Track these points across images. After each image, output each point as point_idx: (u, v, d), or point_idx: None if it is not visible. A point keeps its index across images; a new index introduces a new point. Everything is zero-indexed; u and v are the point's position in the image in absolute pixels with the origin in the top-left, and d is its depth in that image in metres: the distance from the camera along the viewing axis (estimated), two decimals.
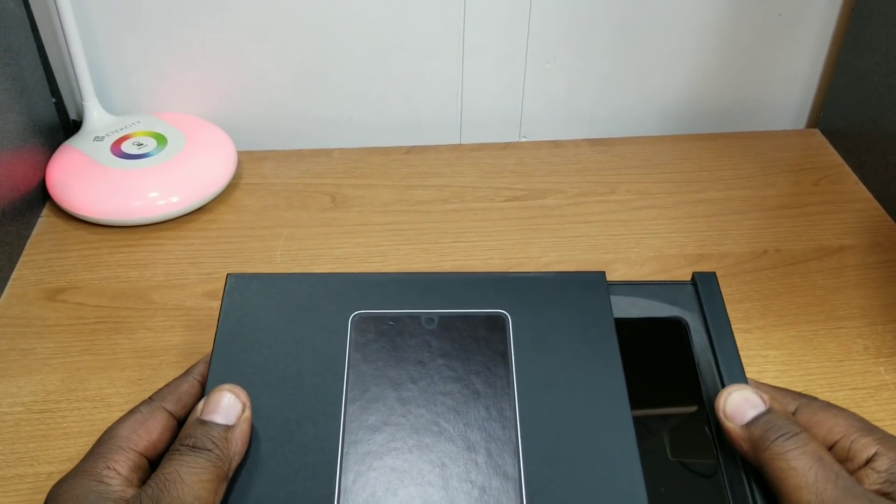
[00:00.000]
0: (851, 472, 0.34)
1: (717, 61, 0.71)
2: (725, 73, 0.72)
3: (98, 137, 0.64)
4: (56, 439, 0.45)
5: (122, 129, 0.65)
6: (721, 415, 0.35)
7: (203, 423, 0.33)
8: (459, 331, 0.39)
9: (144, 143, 0.64)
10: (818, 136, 0.72)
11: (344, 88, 0.70)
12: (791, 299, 0.55)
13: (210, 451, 0.32)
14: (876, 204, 0.64)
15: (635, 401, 0.37)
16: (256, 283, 0.40)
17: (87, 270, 0.57)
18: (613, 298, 0.41)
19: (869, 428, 0.35)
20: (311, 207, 0.63)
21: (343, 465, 0.34)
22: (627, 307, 0.40)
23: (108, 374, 0.49)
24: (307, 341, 0.38)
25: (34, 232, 0.60)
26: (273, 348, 0.38)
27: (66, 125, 0.69)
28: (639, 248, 0.59)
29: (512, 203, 0.64)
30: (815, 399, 0.38)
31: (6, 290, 0.56)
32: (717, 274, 0.57)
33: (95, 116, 0.66)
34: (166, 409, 0.36)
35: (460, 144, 0.72)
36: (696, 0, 0.67)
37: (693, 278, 0.42)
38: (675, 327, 0.40)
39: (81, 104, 0.66)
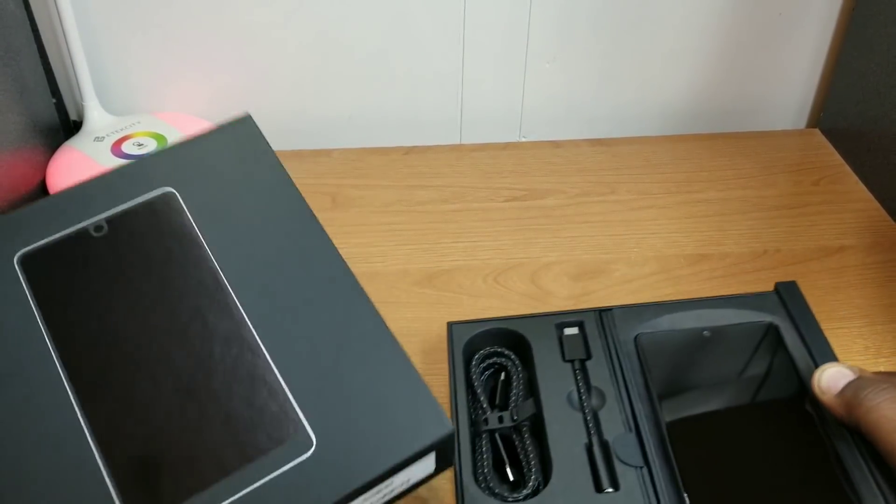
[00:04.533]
0: None
1: (717, 61, 0.71)
2: (725, 73, 0.72)
3: (98, 138, 0.64)
4: None
5: (122, 130, 0.65)
6: (817, 390, 0.38)
7: None
8: (132, 224, 0.36)
9: (145, 143, 0.64)
10: (818, 136, 0.72)
11: (344, 88, 0.70)
12: None
13: None
14: (876, 204, 0.64)
15: (740, 396, 0.40)
16: None
17: None
18: (705, 312, 0.44)
19: None
20: (312, 207, 0.63)
21: (78, 395, 0.32)
22: (719, 318, 0.44)
23: None
24: None
25: None
26: None
27: (66, 125, 0.69)
28: (639, 248, 0.59)
29: (512, 203, 0.64)
30: None
31: None
32: (717, 274, 0.57)
33: (96, 117, 0.66)
34: None
35: (460, 144, 0.72)
36: (696, 0, 0.67)
37: (776, 287, 0.46)
38: (769, 331, 0.44)
39: (82, 104, 0.66)
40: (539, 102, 0.72)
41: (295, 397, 0.32)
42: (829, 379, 0.38)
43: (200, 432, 0.31)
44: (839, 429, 0.38)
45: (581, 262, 0.58)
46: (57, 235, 0.36)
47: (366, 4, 0.65)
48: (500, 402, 0.44)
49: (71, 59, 0.63)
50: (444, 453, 0.34)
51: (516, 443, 0.41)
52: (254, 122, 0.40)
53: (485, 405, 0.42)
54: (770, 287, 0.55)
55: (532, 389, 0.43)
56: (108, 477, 0.30)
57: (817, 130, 0.73)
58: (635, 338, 0.44)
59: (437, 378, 0.47)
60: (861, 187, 0.65)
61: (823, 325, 0.52)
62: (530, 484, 0.38)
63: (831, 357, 0.42)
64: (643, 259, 0.58)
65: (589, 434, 0.39)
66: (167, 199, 0.37)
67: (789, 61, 0.72)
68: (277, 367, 0.33)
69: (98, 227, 0.36)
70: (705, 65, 0.71)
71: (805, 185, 0.66)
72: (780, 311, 0.44)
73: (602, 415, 0.40)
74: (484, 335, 0.45)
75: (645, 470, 0.37)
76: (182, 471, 0.30)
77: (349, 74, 0.69)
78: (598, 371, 0.43)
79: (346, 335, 0.34)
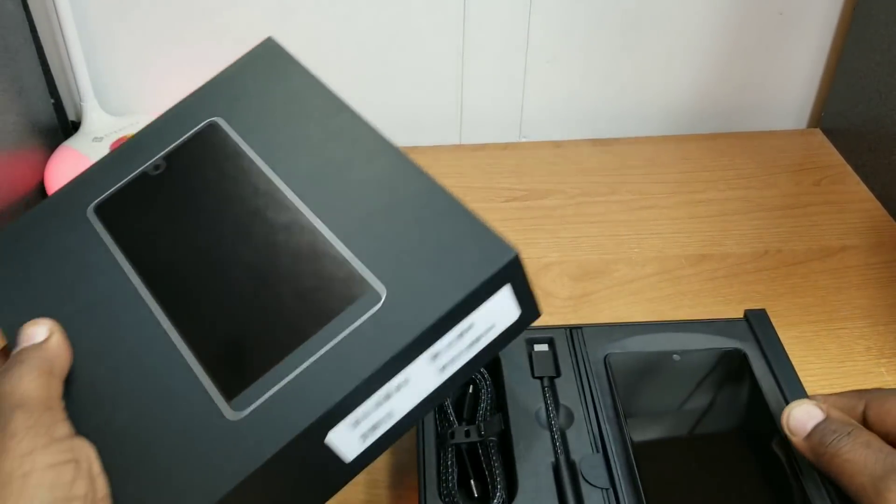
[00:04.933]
0: None
1: (718, 61, 0.71)
2: (726, 73, 0.72)
3: (97, 138, 0.64)
4: None
5: (120, 130, 0.65)
6: (786, 430, 0.37)
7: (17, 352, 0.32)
8: (185, 156, 0.40)
9: None
10: (819, 136, 0.72)
11: (344, 89, 0.69)
12: (792, 300, 0.54)
13: (29, 360, 0.31)
14: (877, 204, 0.63)
15: (707, 421, 0.41)
16: None
17: None
18: (675, 335, 0.44)
19: None
20: None
21: (162, 304, 0.35)
22: (689, 341, 0.45)
23: None
24: (70, 260, 0.37)
25: None
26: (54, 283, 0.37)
27: (64, 126, 0.69)
28: (640, 248, 0.59)
29: (512, 203, 0.63)
30: (882, 390, 0.39)
31: None
32: (719, 274, 0.57)
33: (94, 117, 0.66)
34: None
35: (460, 144, 0.72)
36: (697, 0, 0.67)
37: (745, 314, 0.46)
38: (737, 358, 0.44)
39: (80, 105, 0.66)
40: (539, 102, 0.72)
41: (358, 259, 0.34)
42: (797, 421, 0.37)
43: (276, 309, 0.34)
44: (804, 458, 0.38)
45: (582, 262, 0.58)
46: (121, 182, 0.39)
47: (366, 4, 0.65)
48: (468, 415, 0.43)
49: (69, 59, 0.63)
50: (524, 295, 0.35)
51: (482, 458, 0.40)
52: (276, 42, 0.43)
53: (452, 418, 0.42)
54: (770, 287, 0.55)
55: (500, 405, 0.42)
56: (198, 364, 0.33)
57: (818, 130, 0.73)
58: (605, 357, 0.44)
59: None
60: (862, 187, 0.65)
61: (825, 326, 0.52)
62: (495, 501, 0.38)
63: (798, 385, 0.42)
64: (644, 259, 0.58)
65: (556, 453, 0.39)
66: (212, 128, 0.41)
67: (790, 61, 0.72)
68: (337, 238, 0.35)
69: (156, 167, 0.40)
70: (706, 65, 0.71)
71: (806, 185, 0.66)
72: (749, 338, 0.45)
73: (570, 434, 0.40)
74: None
75: (611, 492, 0.37)
76: (265, 344, 0.33)
77: (349, 74, 0.68)
78: (567, 389, 0.42)
79: (395, 194, 0.37)
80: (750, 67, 0.72)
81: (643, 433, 0.40)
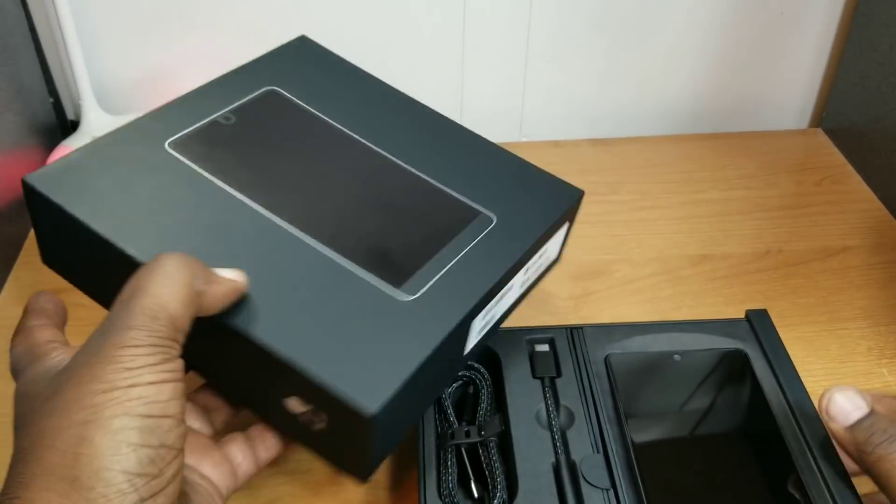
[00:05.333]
0: None
1: (719, 60, 0.71)
2: (727, 73, 0.71)
3: (96, 138, 0.64)
4: None
5: None
6: (825, 415, 0.36)
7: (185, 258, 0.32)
8: (254, 111, 0.42)
9: None
10: (821, 136, 0.72)
11: None
12: (793, 300, 0.54)
13: (189, 272, 0.30)
14: (879, 204, 0.63)
15: (708, 421, 0.41)
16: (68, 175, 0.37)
17: None
18: (675, 335, 0.45)
19: None
20: None
21: (304, 229, 0.37)
22: (690, 342, 0.45)
23: None
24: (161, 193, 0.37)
25: (32, 233, 0.60)
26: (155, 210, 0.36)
27: (63, 125, 0.69)
28: (640, 248, 0.59)
29: None
30: None
31: (3, 292, 0.55)
32: (720, 274, 0.57)
33: (93, 117, 0.66)
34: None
35: None
36: (698, 0, 0.67)
37: (747, 315, 0.46)
38: (739, 358, 0.44)
39: (79, 104, 0.65)
40: (539, 102, 0.72)
41: (459, 194, 0.41)
42: (839, 408, 0.36)
43: (407, 226, 0.38)
44: (805, 458, 0.38)
45: (582, 262, 0.58)
46: (194, 126, 0.40)
47: (366, 4, 0.65)
48: (468, 416, 0.43)
49: (68, 58, 0.63)
50: (564, 241, 0.46)
51: (482, 458, 0.40)
52: (310, 39, 0.47)
53: (452, 418, 0.42)
54: (771, 287, 0.55)
55: (501, 405, 0.42)
56: (355, 265, 0.36)
57: (820, 130, 0.73)
58: (605, 358, 0.44)
59: None
60: (864, 187, 0.65)
61: (826, 326, 0.52)
62: (495, 501, 0.38)
63: (799, 386, 0.42)
64: (645, 259, 0.58)
65: (556, 454, 0.39)
66: (273, 93, 0.43)
67: (791, 61, 0.72)
68: (433, 179, 0.41)
69: (227, 118, 0.41)
70: (707, 64, 0.71)
71: (807, 185, 0.66)
72: (750, 339, 0.45)
73: (570, 434, 0.40)
74: None
75: (611, 492, 0.37)
76: (410, 248, 0.37)
77: None
78: (568, 389, 0.42)
79: (472, 151, 0.43)
80: (751, 67, 0.71)
81: (644, 434, 0.40)
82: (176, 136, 0.39)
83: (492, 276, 0.37)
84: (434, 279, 0.36)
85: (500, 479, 0.39)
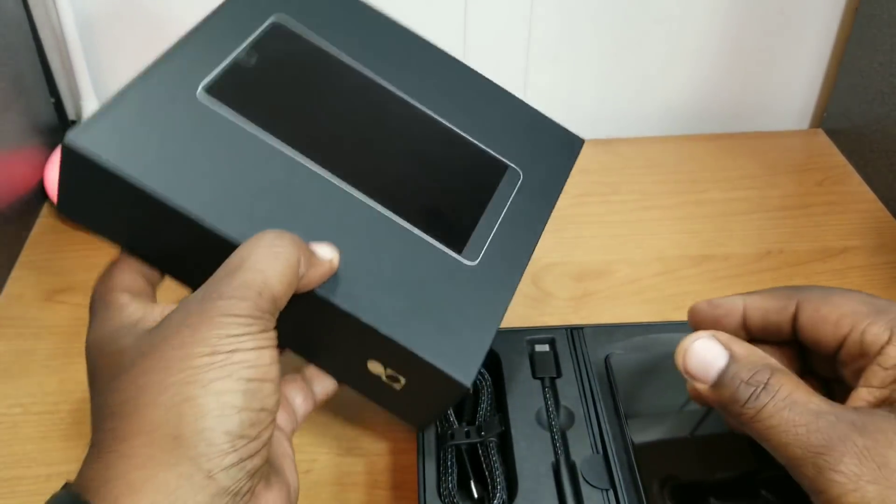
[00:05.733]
0: (864, 370, 0.29)
1: (720, 61, 0.71)
2: (728, 73, 0.71)
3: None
4: (54, 441, 0.45)
5: None
6: (686, 376, 0.30)
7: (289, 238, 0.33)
8: (272, 45, 0.40)
9: None
10: (822, 137, 0.72)
11: None
12: None
13: (294, 255, 0.31)
14: (880, 205, 0.63)
15: (709, 423, 0.40)
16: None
17: (85, 271, 0.57)
18: (676, 335, 0.44)
19: (880, 309, 0.29)
20: None
21: (361, 189, 0.37)
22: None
23: None
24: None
25: (32, 233, 0.60)
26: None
27: (64, 125, 0.69)
28: (641, 249, 0.59)
29: None
30: (816, 288, 0.31)
31: (4, 291, 0.55)
32: (720, 275, 0.57)
33: None
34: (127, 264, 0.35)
35: None
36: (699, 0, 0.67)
37: None
38: None
39: (80, 104, 0.65)
40: (539, 102, 0.71)
41: (483, 144, 0.42)
42: (698, 362, 0.30)
43: (448, 183, 0.40)
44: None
45: (583, 262, 0.58)
46: (219, 68, 0.38)
47: None
48: (468, 416, 0.43)
49: (69, 58, 0.63)
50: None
51: (482, 458, 0.40)
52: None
53: (452, 418, 0.41)
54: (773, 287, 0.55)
55: (500, 405, 0.42)
56: (418, 231, 0.37)
57: (821, 130, 0.73)
58: (606, 358, 0.44)
59: None
60: (865, 188, 0.65)
61: None
62: (495, 501, 0.38)
63: None
64: (646, 260, 0.58)
65: (556, 454, 0.39)
66: (279, 27, 0.40)
67: (792, 61, 0.72)
68: (461, 130, 0.42)
69: (248, 55, 0.39)
70: (708, 64, 0.71)
71: (808, 185, 0.66)
72: None
73: (570, 435, 0.40)
74: None
75: (611, 493, 0.37)
76: (457, 208, 0.39)
77: None
78: (568, 390, 0.42)
79: (476, 94, 0.44)
80: (752, 67, 0.71)
81: (644, 434, 0.40)
82: (206, 81, 0.37)
83: (534, 236, 0.40)
84: (487, 243, 0.38)
85: (499, 479, 0.39)
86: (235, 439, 0.26)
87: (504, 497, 0.38)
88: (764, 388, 0.28)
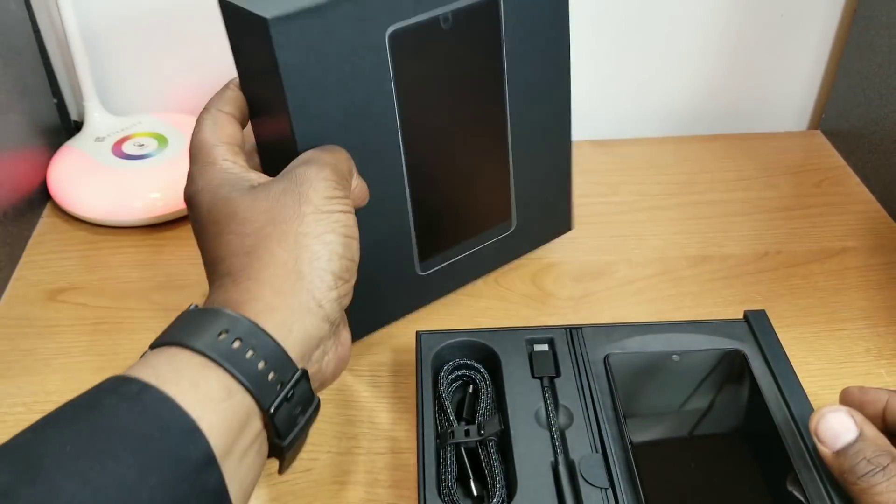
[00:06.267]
0: None
1: (719, 62, 0.71)
2: (727, 75, 0.72)
3: (99, 138, 0.64)
4: None
5: (123, 130, 0.65)
6: (815, 437, 0.36)
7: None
8: (469, 23, 0.43)
9: (145, 143, 0.64)
10: (820, 138, 0.72)
11: None
12: (792, 301, 0.54)
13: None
14: (878, 206, 0.63)
15: (707, 422, 0.41)
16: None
17: (88, 271, 0.57)
18: (674, 336, 0.46)
19: None
20: None
21: (406, 155, 0.44)
22: (689, 342, 0.45)
23: (109, 375, 0.49)
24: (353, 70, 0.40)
25: (35, 232, 0.60)
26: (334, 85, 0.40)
27: (67, 126, 0.69)
28: (640, 249, 0.59)
29: None
30: None
31: (7, 291, 0.56)
32: (719, 275, 0.57)
33: (96, 117, 0.66)
34: (224, 112, 0.39)
35: None
36: (698, 1, 0.67)
37: (745, 315, 0.46)
38: (737, 358, 0.44)
39: (82, 105, 0.66)
40: None
41: (513, 185, 0.51)
42: (828, 432, 0.35)
43: (467, 199, 0.49)
44: (803, 458, 0.38)
45: (582, 263, 0.58)
46: (418, 18, 0.41)
47: None
48: (468, 415, 0.43)
49: (72, 59, 0.63)
50: None
51: (482, 457, 0.41)
52: None
53: (451, 417, 0.42)
54: (770, 288, 0.55)
55: (500, 404, 0.43)
56: (413, 220, 0.46)
57: (819, 132, 0.73)
58: (605, 358, 0.44)
59: (410, 385, 0.47)
60: (863, 189, 0.65)
61: (825, 327, 0.53)
62: (494, 500, 0.38)
63: (797, 386, 0.42)
64: (645, 260, 0.58)
65: (555, 453, 0.39)
66: (494, 3, 0.44)
67: (791, 62, 0.72)
68: (511, 166, 0.51)
69: (445, 19, 0.42)
70: (707, 66, 0.71)
71: (807, 186, 0.66)
72: (748, 339, 0.45)
73: (569, 434, 0.40)
74: (453, 347, 0.45)
75: (610, 492, 0.37)
76: (459, 222, 0.49)
77: None
78: (567, 389, 0.42)
79: (542, 136, 0.54)
80: (751, 69, 0.72)
81: (643, 433, 0.40)
82: (398, 26, 0.40)
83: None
84: (451, 261, 0.48)
85: (499, 478, 0.39)
86: (337, 279, 0.34)
87: (503, 496, 0.39)
88: (882, 470, 0.33)
